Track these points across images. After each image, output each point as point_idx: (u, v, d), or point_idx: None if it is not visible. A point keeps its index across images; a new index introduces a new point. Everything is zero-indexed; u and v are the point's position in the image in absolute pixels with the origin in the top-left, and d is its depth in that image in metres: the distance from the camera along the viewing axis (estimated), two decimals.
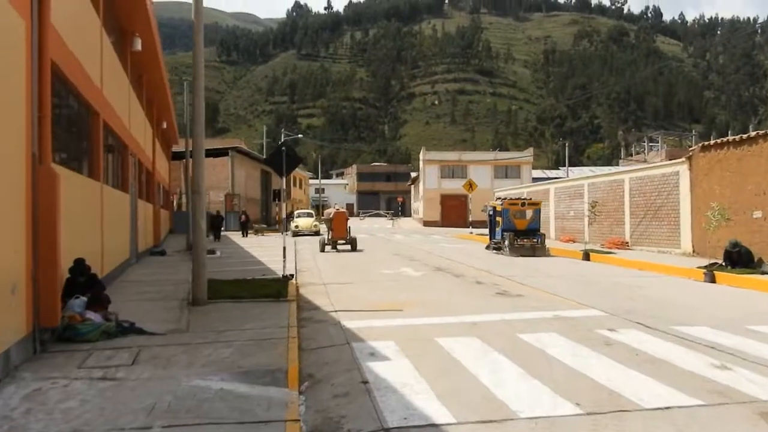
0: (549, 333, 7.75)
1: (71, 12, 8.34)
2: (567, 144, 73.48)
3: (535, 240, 21.06)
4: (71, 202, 8.51)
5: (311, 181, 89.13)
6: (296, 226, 35.54)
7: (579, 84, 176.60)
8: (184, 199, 37.40)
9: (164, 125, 27.49)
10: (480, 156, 59.28)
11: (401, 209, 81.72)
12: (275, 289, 10.89)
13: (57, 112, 8.17)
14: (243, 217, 35.23)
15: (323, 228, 27.62)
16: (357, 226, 51.84)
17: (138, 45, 15.25)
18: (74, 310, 7.29)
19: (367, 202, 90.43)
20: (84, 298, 7.51)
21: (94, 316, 7.35)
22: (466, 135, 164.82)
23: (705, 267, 14.02)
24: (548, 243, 22.25)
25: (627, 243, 21.85)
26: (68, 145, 9.08)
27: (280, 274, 12.89)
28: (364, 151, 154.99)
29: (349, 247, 23.21)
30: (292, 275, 13.21)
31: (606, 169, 35.13)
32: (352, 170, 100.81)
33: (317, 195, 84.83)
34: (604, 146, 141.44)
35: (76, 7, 8.80)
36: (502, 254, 21.20)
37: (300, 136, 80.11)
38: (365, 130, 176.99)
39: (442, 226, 51.06)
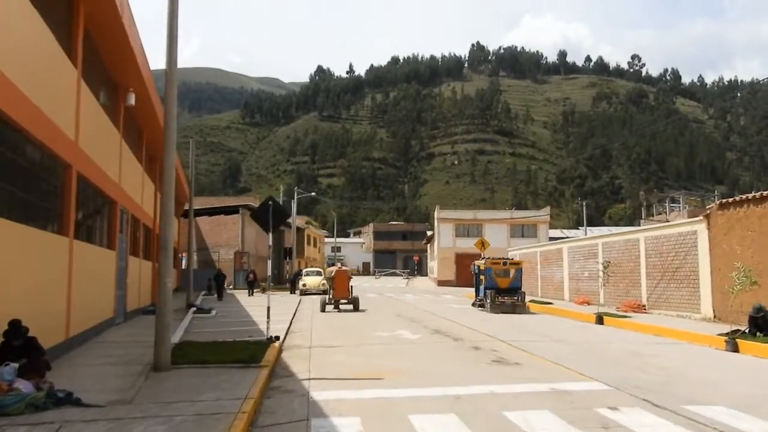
0: (540, 411, 6.77)
1: (28, 55, 7.89)
2: (585, 203, 72.46)
3: (515, 298, 22.00)
4: (20, 258, 7.89)
5: (327, 240, 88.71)
6: (304, 285, 34.81)
7: (599, 144, 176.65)
8: (195, 257, 36.99)
9: None
10: (496, 215, 58.48)
11: (417, 268, 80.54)
12: (251, 353, 10.06)
13: (9, 162, 7.66)
14: (251, 275, 34.65)
15: None
16: (370, 285, 50.96)
17: (132, 100, 15.01)
18: (2, 378, 6.54)
19: (384, 261, 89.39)
20: (15, 365, 6.75)
21: (23, 386, 6.56)
22: (486, 194, 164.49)
23: (727, 334, 12.84)
24: (561, 305, 21.43)
25: (644, 306, 20.58)
26: (21, 198, 8.48)
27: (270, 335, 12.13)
28: (382, 210, 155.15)
29: (351, 306, 22.30)
30: (277, 337, 12.37)
31: (626, 230, 33.86)
32: (369, 229, 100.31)
33: (333, 254, 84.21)
34: (625, 207, 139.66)
35: (37, 50, 8.37)
36: (485, 311, 21.87)
37: (313, 194, 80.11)
38: (385, 189, 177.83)
39: (457, 286, 49.80)
